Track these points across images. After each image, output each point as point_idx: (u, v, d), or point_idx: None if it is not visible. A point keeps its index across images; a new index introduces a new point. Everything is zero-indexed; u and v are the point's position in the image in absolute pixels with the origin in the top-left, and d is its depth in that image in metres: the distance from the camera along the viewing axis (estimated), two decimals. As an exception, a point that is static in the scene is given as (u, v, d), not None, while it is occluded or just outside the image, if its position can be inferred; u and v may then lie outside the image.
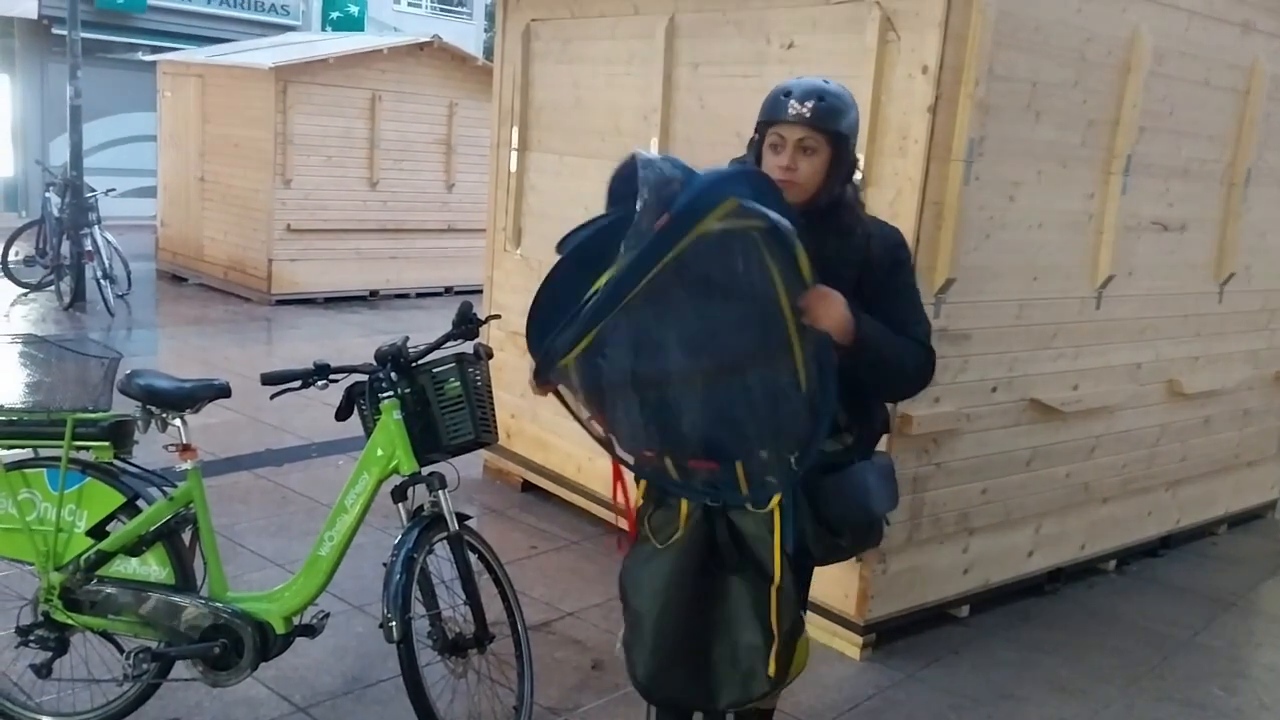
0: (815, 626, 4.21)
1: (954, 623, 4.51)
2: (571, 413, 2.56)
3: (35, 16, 16.80)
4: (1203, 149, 4.85)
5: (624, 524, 2.74)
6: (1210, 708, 4.01)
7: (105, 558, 3.11)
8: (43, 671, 3.18)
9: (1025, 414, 4.41)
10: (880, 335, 2.48)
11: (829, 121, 2.47)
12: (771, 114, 2.52)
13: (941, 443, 4.11)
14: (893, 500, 2.72)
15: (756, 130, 2.59)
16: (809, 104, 2.46)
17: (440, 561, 3.16)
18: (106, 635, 3.25)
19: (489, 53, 17.80)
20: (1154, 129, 4.50)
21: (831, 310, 2.34)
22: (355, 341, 9.47)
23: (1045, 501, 4.66)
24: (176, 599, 3.12)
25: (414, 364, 3.17)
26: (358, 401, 3.21)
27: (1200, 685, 4.18)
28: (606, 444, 2.56)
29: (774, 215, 2.16)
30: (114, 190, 11.44)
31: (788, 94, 2.49)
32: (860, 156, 3.83)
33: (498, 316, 4.23)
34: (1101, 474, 4.90)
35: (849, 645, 4.15)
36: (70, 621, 3.15)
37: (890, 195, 3.83)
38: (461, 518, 3.16)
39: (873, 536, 2.73)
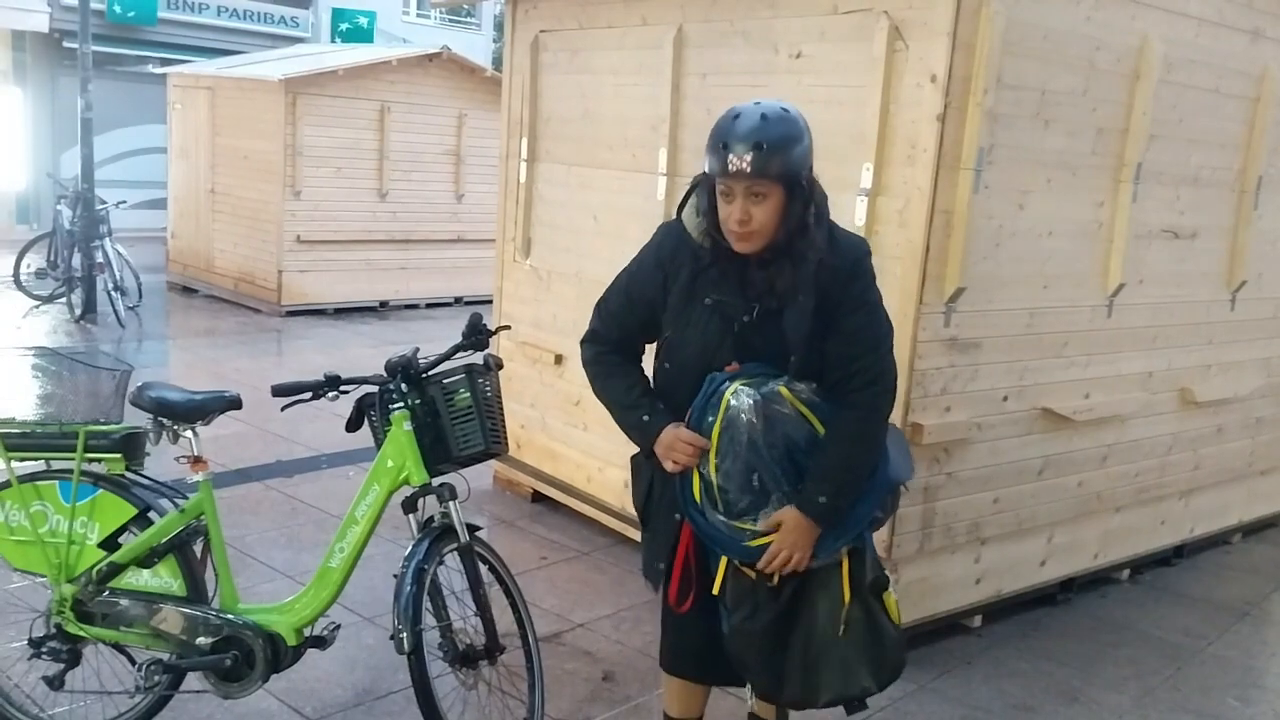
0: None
1: (966, 633, 4.49)
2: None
3: (46, 30, 16.89)
4: (1213, 156, 4.84)
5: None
6: (1225, 718, 3.99)
7: (117, 570, 3.12)
8: (55, 683, 3.18)
9: (1037, 423, 4.39)
10: (840, 484, 2.55)
11: (771, 167, 2.43)
12: (714, 167, 2.49)
13: (952, 452, 4.10)
14: (911, 468, 2.79)
15: (705, 178, 2.57)
16: (747, 157, 2.42)
17: (451, 573, 3.15)
18: (118, 647, 3.26)
19: (498, 63, 17.87)
20: (1164, 137, 4.49)
21: (798, 552, 2.53)
22: (365, 353, 9.49)
23: (1057, 511, 4.64)
24: (188, 611, 3.13)
25: (424, 375, 3.18)
26: (368, 413, 3.21)
27: (1214, 695, 4.15)
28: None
29: None
30: (125, 202, 11.48)
31: (726, 145, 2.44)
32: (869, 168, 3.86)
33: (508, 327, 4.24)
34: (1114, 483, 4.88)
35: (860, 656, 4.13)
36: (82, 633, 3.16)
37: (899, 204, 3.83)
38: (472, 529, 3.16)
39: (895, 504, 2.80)
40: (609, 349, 2.80)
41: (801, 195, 2.50)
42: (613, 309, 2.80)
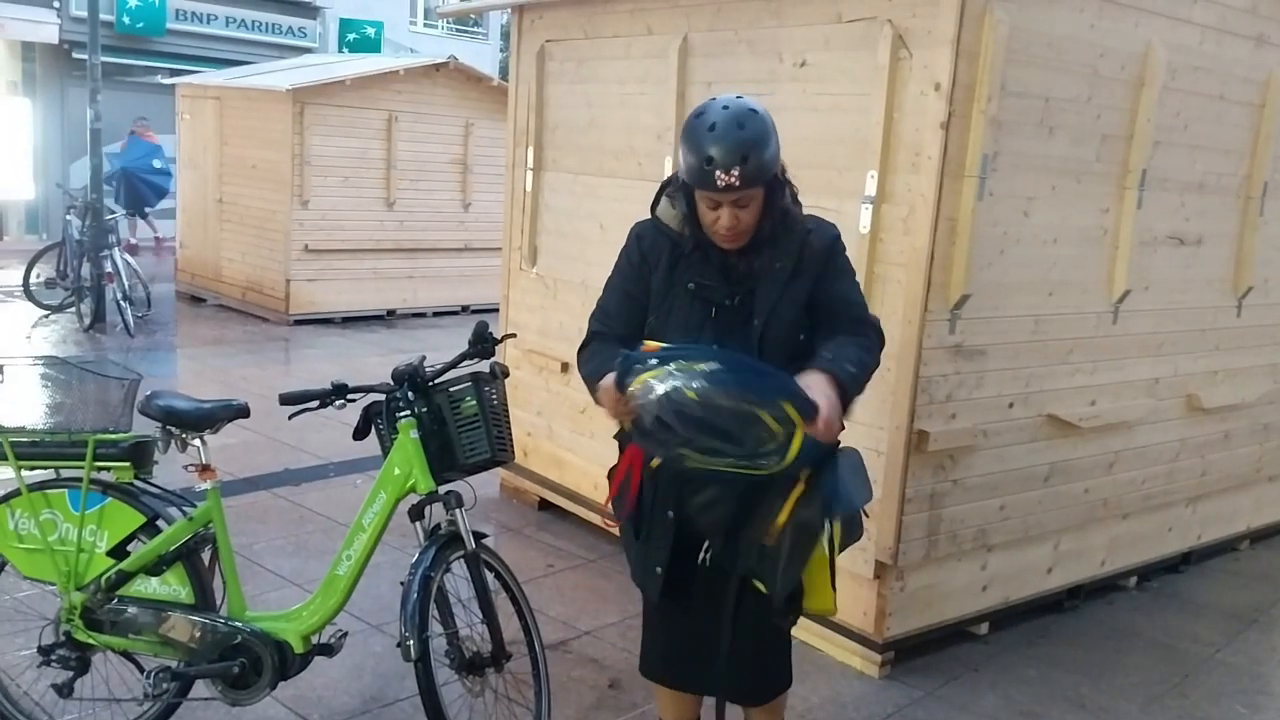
0: (833, 644, 4.21)
1: (973, 640, 4.49)
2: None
3: (56, 41, 16.99)
4: (1218, 163, 4.83)
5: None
6: (1233, 725, 3.98)
7: (126, 577, 3.14)
8: (64, 691, 3.20)
9: (1043, 430, 4.39)
10: (857, 374, 2.54)
11: (758, 176, 2.44)
12: (700, 183, 2.47)
13: (958, 459, 4.10)
14: (869, 492, 2.73)
15: (684, 184, 2.56)
16: (735, 171, 2.40)
17: (457, 580, 3.17)
18: (127, 655, 3.28)
19: (504, 73, 17.95)
20: (1168, 143, 4.49)
21: (834, 421, 2.42)
22: (372, 361, 9.51)
23: (1064, 518, 4.64)
24: (196, 618, 3.14)
25: (431, 383, 3.19)
26: (375, 421, 3.23)
27: (1222, 703, 4.14)
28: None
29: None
30: (134, 213, 11.53)
31: (710, 161, 2.41)
32: (873, 175, 3.87)
33: (514, 335, 4.26)
34: (1121, 490, 4.87)
35: (867, 663, 4.13)
36: (91, 641, 3.18)
37: (904, 212, 3.84)
38: (478, 536, 3.17)
39: (856, 531, 2.72)
40: (612, 341, 2.71)
41: (780, 188, 2.55)
42: (611, 310, 2.78)
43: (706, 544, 2.69)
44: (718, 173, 2.41)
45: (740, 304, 2.62)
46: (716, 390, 2.33)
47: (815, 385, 2.43)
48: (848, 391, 2.48)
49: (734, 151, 2.40)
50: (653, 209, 2.73)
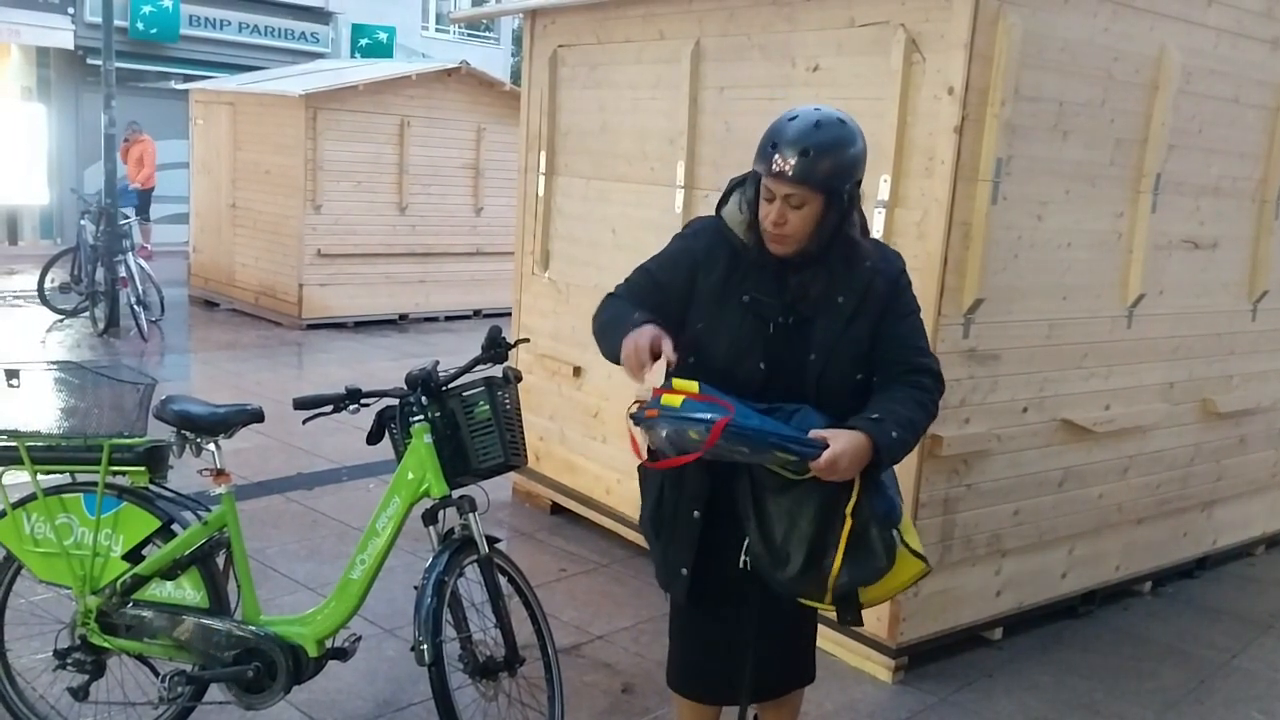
0: (847, 650, 4.20)
1: (987, 645, 4.47)
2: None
3: (71, 47, 17.10)
4: (1233, 166, 4.81)
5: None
6: (1250, 732, 3.96)
7: (141, 582, 3.15)
8: (80, 694, 3.21)
9: (1057, 434, 4.38)
10: (903, 438, 2.44)
11: (814, 176, 2.41)
12: (760, 163, 2.48)
13: (972, 464, 4.09)
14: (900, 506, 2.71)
15: (754, 169, 2.55)
16: (792, 160, 2.39)
17: (470, 584, 3.17)
18: (142, 658, 3.29)
19: (516, 78, 17.97)
20: (1183, 147, 4.48)
21: (841, 464, 2.34)
22: (385, 365, 9.54)
23: (1078, 522, 4.62)
24: (210, 622, 3.15)
25: (444, 388, 3.20)
26: (388, 425, 3.24)
27: (1238, 709, 4.11)
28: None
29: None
30: (145, 219, 11.59)
31: (775, 145, 2.43)
32: (886, 180, 3.87)
33: (526, 340, 4.27)
34: (1135, 495, 4.85)
35: (880, 668, 4.12)
36: (107, 645, 3.19)
37: (917, 216, 3.83)
38: (491, 541, 3.17)
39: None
40: (626, 301, 2.68)
41: (839, 206, 2.48)
42: (634, 280, 2.73)
43: (746, 545, 2.63)
44: (776, 155, 2.43)
45: (795, 327, 2.56)
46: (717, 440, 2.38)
47: (840, 437, 2.36)
48: (882, 456, 2.40)
49: (798, 142, 2.41)
50: (719, 208, 2.67)
